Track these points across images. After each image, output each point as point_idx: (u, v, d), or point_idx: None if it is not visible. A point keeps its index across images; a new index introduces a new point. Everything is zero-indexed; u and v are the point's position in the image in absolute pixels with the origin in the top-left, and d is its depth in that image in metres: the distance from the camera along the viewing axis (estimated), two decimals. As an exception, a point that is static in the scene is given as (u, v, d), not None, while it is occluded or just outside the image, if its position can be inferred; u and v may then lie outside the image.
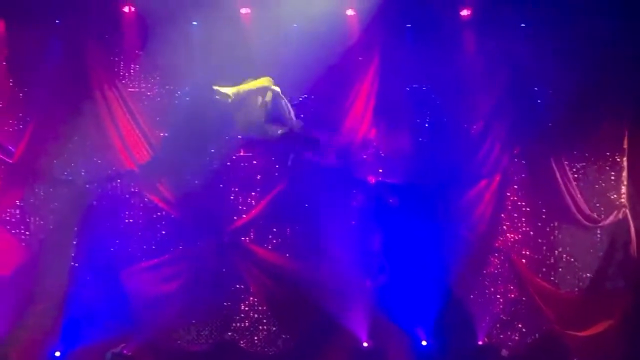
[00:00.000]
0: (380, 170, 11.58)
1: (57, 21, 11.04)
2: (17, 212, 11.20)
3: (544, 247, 11.82)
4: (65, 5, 10.85)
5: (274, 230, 11.58)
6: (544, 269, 11.77)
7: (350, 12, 11.26)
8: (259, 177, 11.61)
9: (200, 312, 11.36)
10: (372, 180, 11.55)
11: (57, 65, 11.06)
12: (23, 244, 11.13)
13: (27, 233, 11.20)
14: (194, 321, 11.38)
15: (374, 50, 11.47)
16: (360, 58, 11.52)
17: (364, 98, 11.42)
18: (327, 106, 11.50)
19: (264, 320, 11.52)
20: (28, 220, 11.19)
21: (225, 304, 11.46)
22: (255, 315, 11.51)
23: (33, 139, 10.99)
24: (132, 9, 11.11)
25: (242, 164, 11.58)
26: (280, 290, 11.40)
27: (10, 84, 11.14)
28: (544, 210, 11.82)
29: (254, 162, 11.61)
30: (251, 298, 11.53)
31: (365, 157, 11.60)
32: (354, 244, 11.33)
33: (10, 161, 11.02)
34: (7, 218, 11.16)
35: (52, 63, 11.06)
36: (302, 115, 11.28)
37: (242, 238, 11.52)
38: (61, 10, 10.93)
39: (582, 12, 11.01)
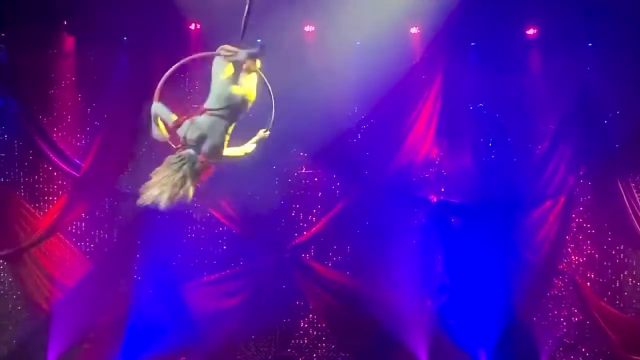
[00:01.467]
0: (443, 190, 11.52)
1: (124, 38, 11.23)
2: (83, 224, 11.40)
3: (609, 270, 11.62)
4: (133, 23, 11.02)
5: (335, 247, 11.60)
6: (609, 293, 11.57)
7: (414, 29, 11.24)
8: (320, 194, 11.63)
9: (260, 328, 11.40)
10: (434, 199, 11.49)
11: (124, 81, 11.24)
12: (87, 256, 11.31)
13: (92, 246, 11.38)
14: (253, 337, 11.43)
15: (438, 68, 11.43)
16: (423, 76, 11.49)
17: (427, 116, 11.38)
18: (389, 124, 11.48)
19: (324, 338, 11.52)
20: (93, 233, 11.38)
21: (285, 320, 11.50)
22: (315, 333, 11.51)
23: (100, 153, 11.18)
24: (198, 26, 11.25)
25: (304, 181, 11.62)
26: (340, 308, 11.38)
27: (79, 99, 11.37)
28: (609, 233, 11.62)
29: (316, 179, 11.64)
30: (311, 315, 11.54)
31: (427, 175, 11.55)
32: (415, 263, 11.26)
33: (77, 175, 11.21)
34: (73, 231, 11.37)
35: (120, 79, 11.25)
36: (365, 134, 11.46)
37: (303, 255, 11.55)
38: (129, 27, 11.11)
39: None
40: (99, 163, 11.20)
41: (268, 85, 6.41)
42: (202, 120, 5.98)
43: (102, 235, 11.40)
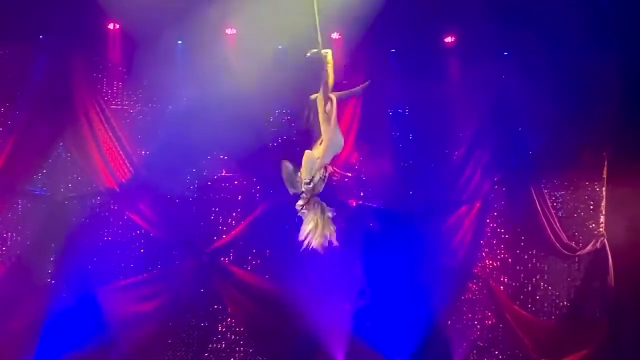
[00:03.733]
0: (362, 194, 11.60)
1: (41, 37, 10.97)
2: (-5, 227, 11.11)
3: (522, 275, 11.86)
4: (50, 21, 10.78)
5: (254, 251, 11.54)
6: (521, 297, 11.81)
7: (335, 35, 11.29)
8: (239, 197, 11.58)
9: (178, 332, 11.29)
10: (353, 203, 11.55)
11: (40, 81, 10.95)
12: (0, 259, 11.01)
13: (4, 249, 11.07)
14: (170, 341, 11.29)
15: (358, 73, 11.50)
16: (344, 81, 11.52)
17: (347, 121, 11.41)
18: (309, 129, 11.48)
19: (241, 342, 11.45)
20: (5, 235, 11.06)
21: (202, 324, 11.39)
22: (233, 337, 11.44)
23: (13, 154, 10.87)
24: (117, 26, 11.08)
25: (223, 184, 11.53)
26: (258, 312, 11.35)
27: (-7, 98, 11.08)
28: (522, 238, 11.88)
29: (235, 182, 11.57)
30: (229, 319, 11.46)
31: (346, 180, 11.61)
32: (334, 267, 11.29)
33: (-11, 175, 10.92)
34: (-16, 233, 11.07)
35: (35, 78, 10.95)
36: (285, 137, 11.47)
37: (222, 258, 11.46)
38: (46, 25, 10.85)
39: (565, 42, 11.11)
40: (12, 164, 10.89)
41: None
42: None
43: (14, 238, 11.06)
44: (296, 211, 11.27)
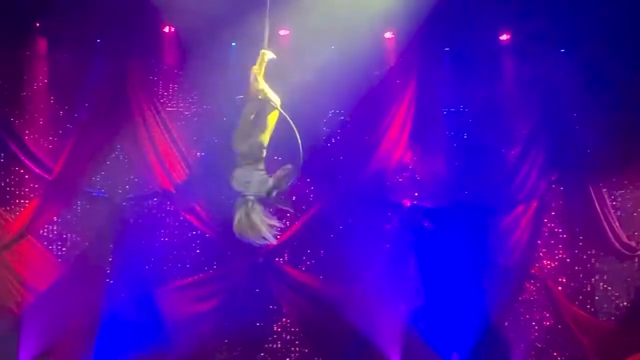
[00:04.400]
0: (416, 194, 11.54)
1: (98, 40, 11.17)
2: (54, 228, 11.30)
3: (581, 275, 11.69)
4: (106, 25, 10.97)
5: (308, 251, 11.58)
6: (580, 297, 11.65)
7: (388, 34, 11.29)
8: (293, 198, 11.59)
9: (233, 332, 11.36)
10: (407, 203, 11.51)
11: (97, 84, 11.16)
12: (59, 259, 11.21)
13: (64, 249, 11.29)
14: (226, 341, 11.38)
15: (412, 73, 11.47)
16: (397, 81, 11.52)
17: (401, 121, 11.41)
18: (363, 128, 11.50)
19: (297, 342, 11.50)
20: (65, 236, 11.30)
21: (258, 324, 11.45)
22: (288, 337, 11.49)
23: (72, 156, 11.08)
24: (172, 29, 11.23)
25: (277, 185, 11.57)
26: (313, 312, 11.37)
27: (51, 101, 11.28)
28: (581, 238, 11.70)
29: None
30: (284, 319, 11.51)
31: (400, 180, 11.57)
32: (389, 268, 11.29)
33: (49, 178, 11.11)
34: (45, 234, 11.25)
35: (93, 82, 11.17)
36: (338, 138, 11.48)
37: (277, 259, 11.51)
38: (102, 30, 11.05)
39: (623, 39, 10.93)
40: (72, 166, 11.10)
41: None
42: None
43: (74, 239, 11.30)
44: (348, 212, 11.35)
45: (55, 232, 11.28)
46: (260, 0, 10.28)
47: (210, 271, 11.41)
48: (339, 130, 11.52)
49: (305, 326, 11.45)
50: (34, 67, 11.21)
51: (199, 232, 11.40)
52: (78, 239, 11.30)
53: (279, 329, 11.51)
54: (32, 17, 10.97)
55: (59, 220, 11.29)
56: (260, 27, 10.58)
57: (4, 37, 10.88)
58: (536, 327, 11.64)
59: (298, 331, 11.48)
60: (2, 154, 11.18)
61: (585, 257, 11.69)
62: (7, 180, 11.23)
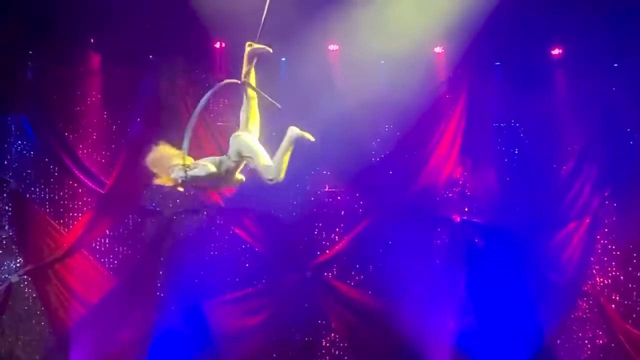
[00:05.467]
0: (466, 209, 11.48)
1: (150, 56, 11.32)
2: (107, 241, 11.45)
3: (635, 293, 11.50)
4: (158, 41, 11.11)
5: (357, 266, 11.57)
6: (634, 315, 11.44)
7: (438, 49, 11.26)
8: (343, 212, 11.63)
9: (282, 346, 11.38)
10: (457, 219, 11.44)
11: (150, 99, 11.31)
12: (111, 272, 11.35)
13: (116, 262, 11.43)
14: (275, 355, 11.40)
15: (462, 87, 11.43)
16: (448, 95, 11.48)
17: (451, 136, 11.36)
18: (413, 143, 11.46)
19: (345, 357, 11.48)
20: (117, 249, 11.44)
21: (307, 339, 11.46)
22: (337, 352, 11.48)
23: (124, 170, 11.22)
24: (223, 44, 11.33)
25: (326, 200, 11.61)
26: (362, 328, 11.34)
27: (104, 116, 11.45)
28: (634, 255, 11.51)
29: (338, 197, 11.64)
30: (333, 334, 11.51)
31: (450, 195, 11.52)
32: (438, 284, 11.22)
33: (102, 191, 11.26)
34: (97, 247, 11.40)
35: (145, 97, 11.33)
36: (388, 152, 11.45)
37: (325, 274, 11.52)
38: (154, 45, 11.19)
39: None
40: (123, 180, 11.22)
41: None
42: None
43: (125, 252, 11.45)
44: (398, 227, 11.30)
45: (107, 245, 11.43)
46: (309, 16, 10.50)
47: (259, 285, 11.45)
48: (387, 145, 11.50)
49: (353, 342, 11.42)
50: (88, 82, 11.39)
51: (248, 246, 11.46)
52: (129, 252, 11.44)
53: (327, 344, 11.50)
54: (87, 33, 11.16)
55: (111, 233, 11.45)
56: (309, 44, 10.77)
57: (59, 52, 11.10)
58: (589, 346, 11.47)
59: (347, 346, 11.47)
60: (57, 168, 11.37)
61: (639, 274, 11.48)
62: (61, 193, 11.41)
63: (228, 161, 6.67)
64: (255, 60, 7.01)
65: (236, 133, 6.84)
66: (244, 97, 6.83)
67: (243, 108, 6.98)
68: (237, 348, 11.13)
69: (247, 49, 6.87)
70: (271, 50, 7.02)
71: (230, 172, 6.63)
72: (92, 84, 11.41)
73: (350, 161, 11.10)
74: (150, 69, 11.33)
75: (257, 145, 6.79)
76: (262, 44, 6.98)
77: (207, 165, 6.56)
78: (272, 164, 6.61)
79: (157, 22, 10.85)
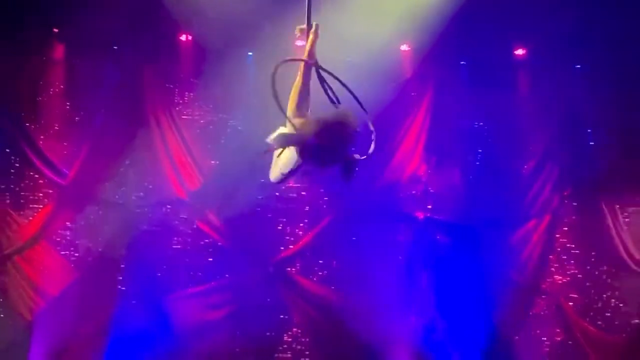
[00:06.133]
0: (429, 207, 11.55)
1: (115, 47, 11.21)
2: (68, 233, 11.31)
3: (592, 291, 11.66)
4: (123, 32, 11.00)
5: (320, 262, 11.57)
6: (591, 313, 11.61)
7: (405, 47, 11.31)
8: (307, 208, 11.64)
9: (244, 341, 11.34)
10: (420, 216, 11.51)
11: (113, 91, 11.20)
12: (72, 265, 11.21)
13: (77, 255, 11.30)
14: (237, 350, 11.36)
15: (427, 86, 11.50)
16: (413, 93, 11.54)
17: (415, 133, 11.43)
18: (378, 140, 11.47)
19: (307, 352, 11.47)
20: (78, 242, 11.31)
21: (268, 334, 11.44)
22: (299, 347, 11.48)
23: (86, 162, 11.11)
24: (189, 37, 11.27)
25: (291, 195, 11.60)
26: (324, 323, 11.36)
27: (67, 107, 11.32)
28: (593, 254, 11.68)
29: (303, 193, 11.63)
30: (295, 329, 11.51)
31: (414, 192, 11.57)
32: (401, 280, 11.29)
33: (63, 183, 11.14)
34: (58, 239, 11.25)
35: (109, 88, 11.21)
36: (353, 149, 11.44)
37: (288, 269, 11.52)
38: (120, 36, 11.09)
39: (638, 55, 10.94)
40: (86, 172, 11.12)
41: None
42: None
43: (86, 245, 11.29)
44: (361, 223, 11.34)
45: (68, 238, 11.28)
46: (277, 11, 10.47)
47: (222, 280, 11.40)
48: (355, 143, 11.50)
49: (315, 336, 11.43)
50: (51, 72, 11.26)
51: (211, 240, 11.41)
52: (91, 244, 11.30)
53: (289, 339, 11.50)
54: (50, 23, 11.02)
55: (72, 225, 11.30)
56: (277, 38, 10.73)
57: (22, 42, 10.93)
58: (547, 343, 11.61)
59: (308, 341, 11.47)
60: (17, 159, 11.22)
61: (597, 273, 11.67)
62: (22, 185, 11.26)
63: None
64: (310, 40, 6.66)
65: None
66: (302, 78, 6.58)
67: (299, 91, 6.62)
68: (199, 342, 11.07)
69: (298, 33, 6.76)
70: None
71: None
72: (55, 74, 11.28)
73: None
74: (115, 60, 11.23)
75: None
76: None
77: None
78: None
79: (122, 13, 10.72)
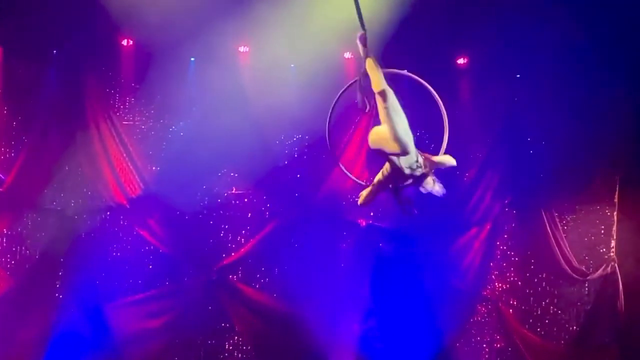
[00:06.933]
0: (372, 214, 11.57)
1: (54, 51, 11.04)
2: (4, 240, 11.09)
3: (532, 298, 11.81)
4: (63, 36, 10.85)
5: (262, 269, 11.53)
6: (530, 320, 11.76)
7: (348, 54, 11.32)
8: (249, 215, 11.58)
9: (185, 349, 11.25)
10: (363, 223, 11.53)
11: (53, 95, 11.05)
12: (8, 272, 11.00)
13: (13, 262, 11.09)
14: (177, 358, 11.25)
15: (369, 94, 11.48)
16: (354, 101, 11.52)
17: (358, 141, 11.43)
18: (320, 147, 11.49)
19: (248, 360, 11.46)
20: (14, 249, 11.09)
21: (210, 342, 11.35)
22: (240, 355, 11.41)
23: (24, 167, 10.93)
24: (131, 42, 11.15)
25: (233, 202, 11.54)
26: (266, 331, 11.33)
27: (5, 111, 11.10)
28: (532, 261, 11.84)
29: (245, 200, 11.58)
30: (236, 337, 11.44)
31: (356, 199, 11.54)
32: (343, 287, 11.29)
33: (0, 189, 10.93)
34: (-6, 246, 11.09)
35: (48, 92, 11.05)
36: (296, 156, 11.46)
37: (230, 276, 11.45)
38: (59, 40, 10.92)
39: (577, 64, 11.09)
40: (23, 178, 10.94)
41: None
42: None
43: (24, 252, 11.10)
44: (304, 230, 11.32)
45: (4, 245, 11.08)
46: (219, 17, 10.43)
47: (163, 287, 11.30)
48: (296, 149, 11.51)
49: (257, 344, 11.38)
50: (-13, 75, 11.06)
51: (152, 247, 11.30)
52: (28, 252, 11.12)
53: (230, 347, 11.43)
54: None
55: (9, 232, 11.10)
56: (218, 45, 10.68)
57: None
58: (487, 349, 11.71)
59: (250, 349, 11.42)
60: (-48, 164, 10.99)
61: (536, 280, 11.81)
62: (-44, 190, 11.02)
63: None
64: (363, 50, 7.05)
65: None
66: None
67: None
68: (139, 351, 10.97)
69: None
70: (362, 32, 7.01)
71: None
72: (-7, 77, 11.09)
73: (258, 164, 11.07)
74: (54, 64, 11.06)
75: None
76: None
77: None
78: None
79: (62, 16, 10.59)
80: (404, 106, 6.83)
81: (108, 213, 11.25)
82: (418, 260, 11.45)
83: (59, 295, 11.06)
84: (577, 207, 11.81)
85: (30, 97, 11.04)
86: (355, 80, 7.07)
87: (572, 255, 11.66)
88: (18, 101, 11.08)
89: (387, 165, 6.88)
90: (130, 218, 11.22)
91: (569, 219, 11.81)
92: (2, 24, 10.72)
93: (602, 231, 11.76)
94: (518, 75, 11.64)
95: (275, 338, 11.29)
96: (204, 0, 10.22)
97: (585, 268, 11.69)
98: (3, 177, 10.98)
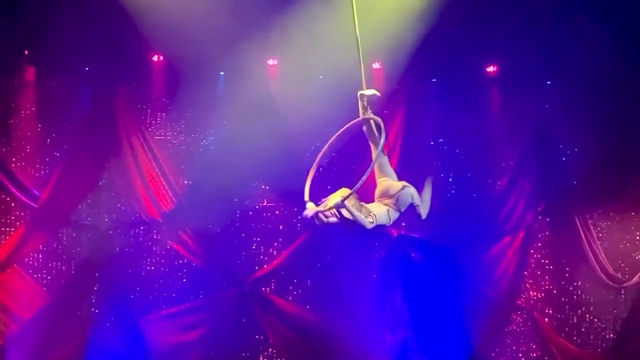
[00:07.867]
0: (403, 224, 11.54)
1: (86, 68, 11.18)
2: (40, 256, 11.24)
3: (567, 306, 11.68)
4: (95, 53, 10.97)
5: (295, 281, 11.55)
6: (566, 329, 11.63)
7: (376, 65, 11.34)
8: (281, 227, 11.61)
9: (219, 362, 11.32)
10: (394, 233, 11.51)
11: (85, 112, 11.20)
12: (44, 288, 11.13)
13: (49, 278, 11.21)
14: (212, 371, 11.33)
15: (399, 103, 11.52)
16: (385, 111, 11.53)
17: (388, 151, 11.41)
18: (350, 158, 11.50)
19: (283, 372, 11.47)
20: (50, 265, 11.23)
21: (244, 354, 11.39)
22: (274, 367, 11.47)
23: (59, 184, 11.06)
24: (161, 57, 11.26)
25: (265, 214, 11.59)
26: (299, 342, 11.33)
27: (39, 129, 11.26)
28: (567, 269, 11.70)
29: (277, 212, 11.62)
30: (270, 349, 11.46)
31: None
32: (375, 298, 11.27)
33: (35, 206, 11.07)
34: (30, 262, 11.18)
35: (80, 110, 11.20)
36: (327, 167, 11.48)
37: (263, 288, 11.48)
38: (91, 57, 11.05)
39: (610, 70, 11.01)
40: (58, 194, 11.07)
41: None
42: None
43: (59, 267, 11.24)
44: (338, 241, 11.32)
45: (40, 261, 11.21)
46: (248, 31, 10.50)
47: (196, 301, 11.35)
48: (326, 160, 11.51)
49: (291, 356, 11.39)
50: (22, 95, 11.22)
51: (185, 260, 11.37)
52: (63, 267, 11.25)
53: (264, 359, 11.44)
54: (22, 46, 10.99)
55: (45, 248, 11.24)
56: (248, 58, 10.76)
57: (-7, 65, 10.90)
58: (522, 359, 11.61)
59: (284, 361, 11.44)
60: (-12, 182, 11.14)
61: (571, 288, 11.70)
62: (-7, 207, 11.18)
63: (395, 213, 7.48)
64: (367, 104, 7.77)
65: (403, 185, 7.68)
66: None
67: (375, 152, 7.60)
68: (174, 364, 11.02)
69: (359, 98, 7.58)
70: (379, 94, 7.70)
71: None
72: (27, 96, 11.25)
73: (289, 176, 11.08)
74: (86, 81, 11.21)
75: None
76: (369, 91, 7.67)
77: (382, 216, 7.39)
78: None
79: (94, 35, 10.72)
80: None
81: (142, 227, 11.35)
82: (451, 270, 11.39)
83: (94, 310, 11.17)
84: (611, 213, 11.67)
85: (63, 114, 11.20)
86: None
87: (608, 263, 11.53)
88: (51, 118, 11.24)
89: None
90: (163, 232, 11.30)
91: (603, 225, 11.68)
92: (34, 44, 10.90)
93: (638, 237, 11.63)
94: (548, 82, 11.58)
95: (309, 350, 11.29)
96: (233, 15, 10.28)
97: (620, 275, 11.55)
98: (38, 194, 11.12)
